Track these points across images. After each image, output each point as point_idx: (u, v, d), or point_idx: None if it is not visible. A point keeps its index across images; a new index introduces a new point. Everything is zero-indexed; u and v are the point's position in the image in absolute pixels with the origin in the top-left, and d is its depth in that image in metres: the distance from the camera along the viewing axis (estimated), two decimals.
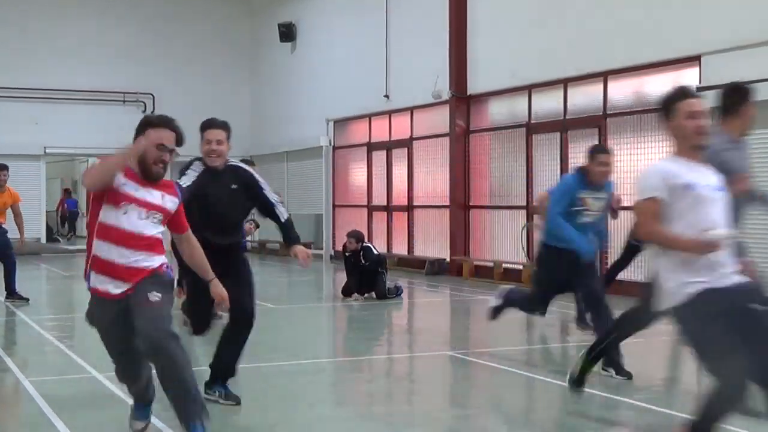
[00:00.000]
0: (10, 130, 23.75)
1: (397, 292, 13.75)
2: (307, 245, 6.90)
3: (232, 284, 5.82)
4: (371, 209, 20.74)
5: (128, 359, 5.33)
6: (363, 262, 13.48)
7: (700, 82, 12.59)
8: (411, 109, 19.52)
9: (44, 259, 21.42)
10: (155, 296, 4.97)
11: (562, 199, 7.64)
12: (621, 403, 6.74)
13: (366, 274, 13.51)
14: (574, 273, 7.62)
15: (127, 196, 5.03)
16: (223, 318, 7.01)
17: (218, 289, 5.40)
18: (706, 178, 4.68)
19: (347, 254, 13.70)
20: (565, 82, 15.15)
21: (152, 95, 25.81)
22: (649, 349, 9.46)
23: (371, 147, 20.86)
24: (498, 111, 17.53)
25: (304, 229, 24.79)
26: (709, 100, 12.81)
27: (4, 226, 12.57)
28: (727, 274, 4.56)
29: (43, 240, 25.00)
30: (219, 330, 6.58)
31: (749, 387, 4.42)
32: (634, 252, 11.05)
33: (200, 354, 7.83)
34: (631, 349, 9.38)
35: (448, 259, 17.85)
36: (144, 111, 25.87)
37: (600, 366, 7.10)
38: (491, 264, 16.64)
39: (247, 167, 6.50)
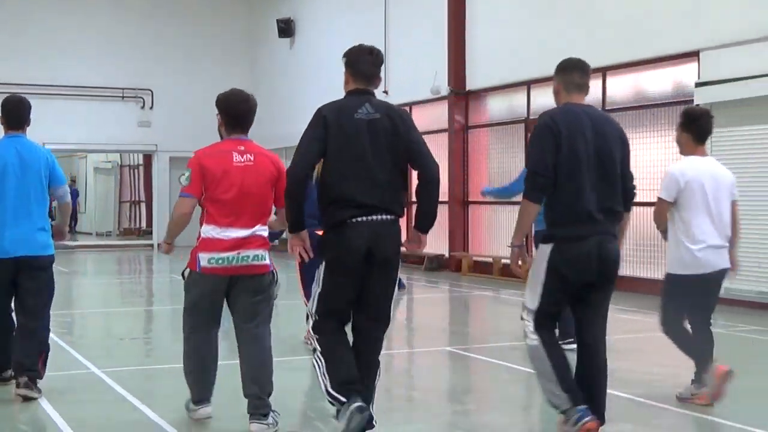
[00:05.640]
0: None
1: (399, 285, 13.85)
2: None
3: None
4: None
5: None
6: None
7: (699, 78, 12.59)
8: (410, 105, 19.49)
9: None
10: None
11: None
12: (619, 398, 6.75)
13: None
14: None
15: None
16: None
17: None
18: None
19: None
20: None
21: (151, 91, 25.81)
22: (645, 345, 9.48)
23: None
24: (497, 107, 17.53)
25: None
26: (708, 96, 12.86)
27: None
28: None
29: None
30: None
31: None
32: None
33: None
34: (627, 345, 9.41)
35: (447, 255, 17.86)
36: (143, 107, 25.89)
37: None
38: (490, 260, 16.65)
39: None
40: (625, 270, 14.18)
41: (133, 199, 33.31)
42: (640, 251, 13.83)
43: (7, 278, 6.67)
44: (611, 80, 14.47)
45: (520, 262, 5.27)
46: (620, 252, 5.28)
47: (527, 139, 16.16)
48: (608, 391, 6.83)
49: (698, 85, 12.50)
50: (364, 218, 5.08)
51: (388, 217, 5.16)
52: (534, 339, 5.22)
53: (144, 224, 31.33)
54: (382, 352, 5.41)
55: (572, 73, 5.39)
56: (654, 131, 13.68)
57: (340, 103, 5.21)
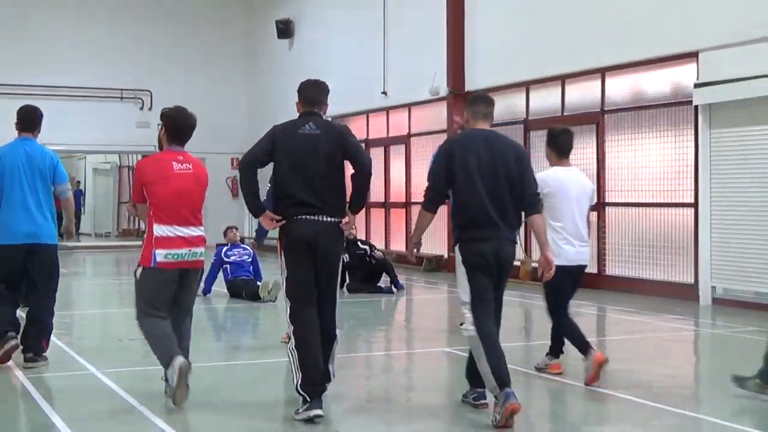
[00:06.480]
0: (9, 127, 23.65)
1: (396, 286, 13.92)
2: None
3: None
4: (369, 206, 20.73)
5: None
6: (370, 260, 14.18)
7: (698, 78, 12.59)
8: (409, 106, 19.51)
9: None
10: None
11: None
12: (618, 399, 6.75)
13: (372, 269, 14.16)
14: None
15: None
16: None
17: None
18: None
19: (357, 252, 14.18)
20: (563, 79, 15.13)
21: (150, 92, 25.80)
22: (645, 345, 9.47)
23: (369, 143, 20.84)
24: (495, 107, 17.48)
25: None
26: (707, 97, 12.83)
27: None
28: None
29: None
30: None
31: None
32: None
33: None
34: (626, 346, 9.41)
35: (445, 256, 17.84)
36: (142, 108, 25.89)
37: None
38: None
39: None
40: (626, 270, 14.18)
41: None
42: (640, 252, 13.81)
43: (19, 261, 7.64)
44: (611, 80, 14.45)
45: (415, 251, 6.70)
46: (515, 254, 6.29)
47: (526, 139, 16.17)
48: (608, 391, 6.87)
49: (697, 85, 12.49)
50: (305, 216, 6.06)
51: (328, 219, 6.10)
52: (471, 330, 6.01)
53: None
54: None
55: (478, 105, 6.48)
56: (653, 132, 13.67)
57: (290, 122, 6.29)
